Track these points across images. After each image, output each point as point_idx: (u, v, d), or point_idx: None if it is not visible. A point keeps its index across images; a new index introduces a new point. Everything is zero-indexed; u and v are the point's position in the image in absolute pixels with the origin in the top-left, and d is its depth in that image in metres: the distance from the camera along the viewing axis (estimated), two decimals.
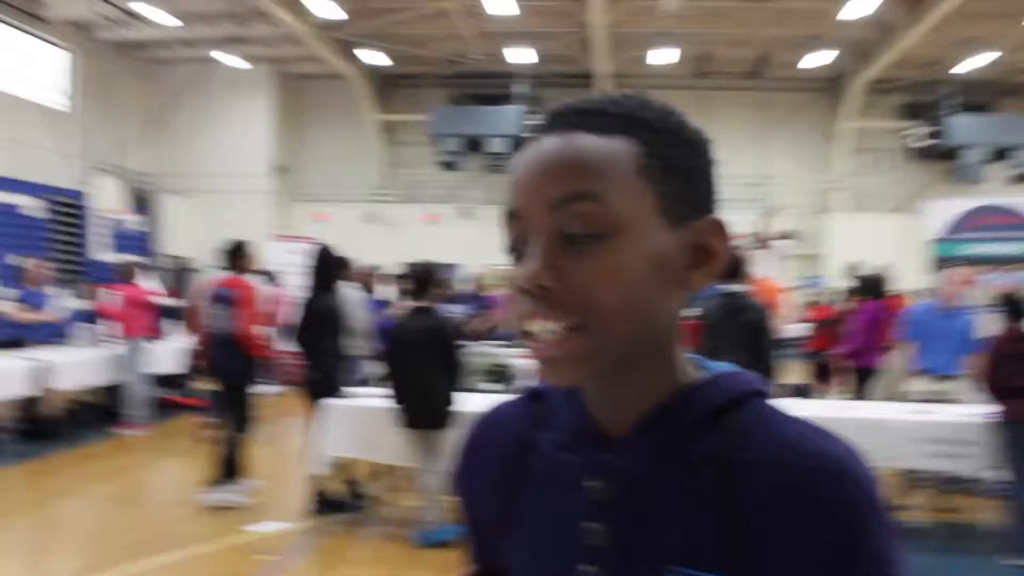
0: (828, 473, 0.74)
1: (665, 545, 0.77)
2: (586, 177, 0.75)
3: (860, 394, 7.41)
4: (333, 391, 5.70)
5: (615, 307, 0.74)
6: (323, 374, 5.70)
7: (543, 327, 0.75)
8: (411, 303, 5.44)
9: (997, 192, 16.72)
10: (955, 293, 6.41)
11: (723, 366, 0.85)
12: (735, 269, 5.46)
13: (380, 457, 5.64)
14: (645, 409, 0.81)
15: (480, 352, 7.44)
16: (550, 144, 0.77)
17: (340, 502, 6.00)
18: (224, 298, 6.15)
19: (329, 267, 5.96)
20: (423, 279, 5.39)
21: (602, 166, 0.75)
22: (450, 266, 20.31)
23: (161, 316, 9.47)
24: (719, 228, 0.80)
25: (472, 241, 22.09)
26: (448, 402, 5.22)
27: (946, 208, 7.00)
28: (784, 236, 11.78)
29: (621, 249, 0.75)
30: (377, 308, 8.75)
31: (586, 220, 0.74)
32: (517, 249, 0.78)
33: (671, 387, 0.81)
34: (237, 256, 6.39)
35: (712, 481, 0.76)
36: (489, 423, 0.96)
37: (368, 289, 8.92)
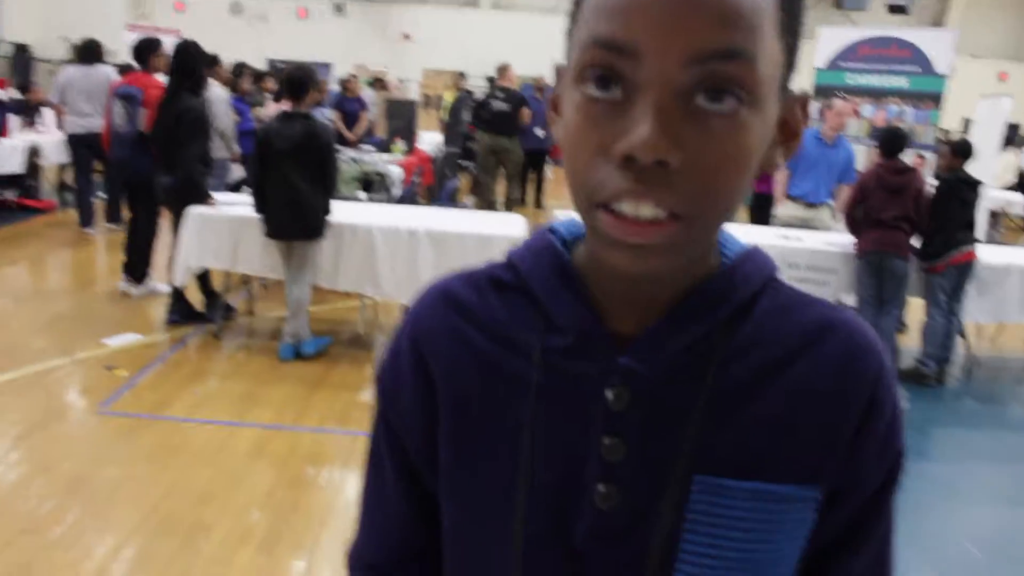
0: (866, 357, 0.70)
1: (690, 453, 0.68)
2: (742, 30, 0.57)
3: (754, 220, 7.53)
4: (198, 197, 5.31)
5: (730, 195, 0.60)
6: (186, 180, 5.28)
7: (641, 208, 0.58)
8: (281, 106, 5.03)
9: (881, 22, 16.85)
10: (838, 123, 6.44)
11: (737, 242, 0.74)
12: None
13: (246, 268, 5.36)
14: (666, 302, 0.69)
15: (351, 159, 7.09)
16: None
17: (201, 314, 5.76)
18: (130, 96, 6.06)
19: (194, 64, 5.41)
20: (298, 82, 4.95)
21: (757, 18, 0.58)
22: (321, 66, 19.49)
23: (1, 111, 8.66)
24: (806, 104, 0.68)
25: (343, 40, 21.22)
26: (320, 212, 4.94)
27: (833, 37, 6.92)
28: None
29: (753, 125, 0.59)
30: (242, 110, 8.26)
31: (732, 85, 0.57)
32: (606, 89, 0.59)
33: (696, 275, 0.70)
34: (149, 54, 6.32)
35: (740, 380, 0.69)
36: (444, 309, 0.78)
37: (233, 89, 8.40)
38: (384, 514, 0.85)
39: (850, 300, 5.59)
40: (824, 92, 7.21)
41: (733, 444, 0.68)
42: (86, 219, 8.64)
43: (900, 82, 6.95)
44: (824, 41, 7.23)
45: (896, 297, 5.45)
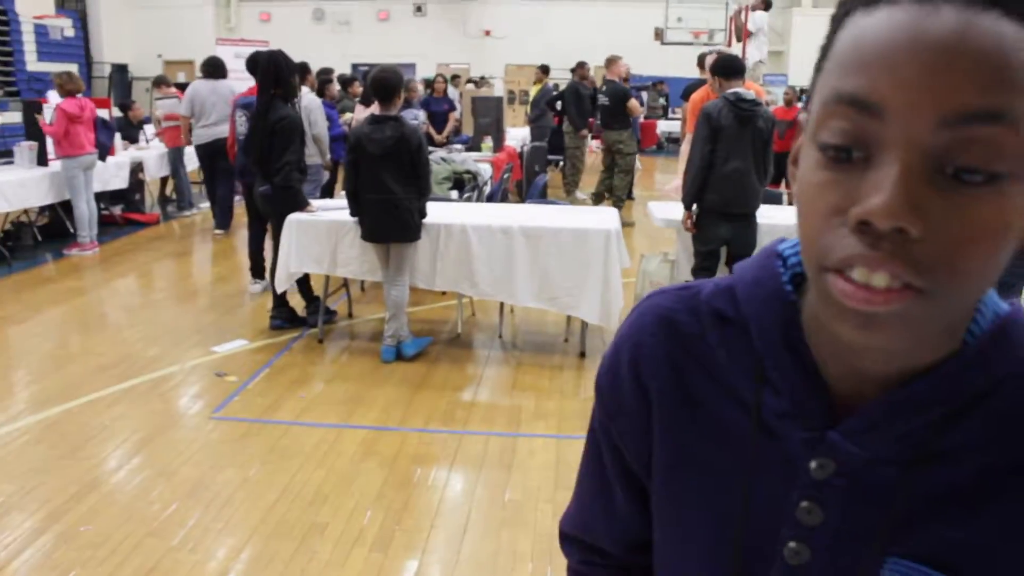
0: None
1: (887, 532, 0.65)
2: (1005, 89, 0.50)
3: None
4: (296, 205, 5.43)
5: (979, 275, 0.54)
6: (284, 187, 5.41)
7: (875, 277, 0.53)
8: (370, 110, 5.10)
9: None
10: None
11: (997, 307, 0.65)
12: (736, 68, 5.24)
13: (344, 272, 5.46)
14: (893, 379, 0.63)
15: (440, 159, 7.15)
16: (951, 22, 0.51)
17: (304, 318, 5.89)
18: (250, 106, 6.09)
19: (285, 73, 5.52)
20: (387, 86, 5.01)
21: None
22: (404, 67, 19.76)
23: (105, 128, 8.99)
24: None
25: (425, 40, 21.43)
26: (414, 213, 4.99)
27: None
28: (764, 5, 11.04)
29: (1012, 197, 0.52)
30: (331, 115, 8.41)
31: (988, 151, 0.51)
32: (845, 149, 0.55)
33: (933, 354, 0.62)
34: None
35: (966, 474, 0.63)
36: (663, 332, 0.76)
37: (321, 95, 8.55)
38: (604, 506, 0.88)
39: None
40: None
41: (941, 537, 0.64)
42: (222, 222, 9.26)
43: None
44: None
45: None
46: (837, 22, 0.58)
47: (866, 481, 0.65)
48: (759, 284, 0.71)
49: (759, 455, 0.70)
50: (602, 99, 10.11)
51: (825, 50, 0.59)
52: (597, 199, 10.31)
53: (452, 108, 11.38)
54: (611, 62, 10.35)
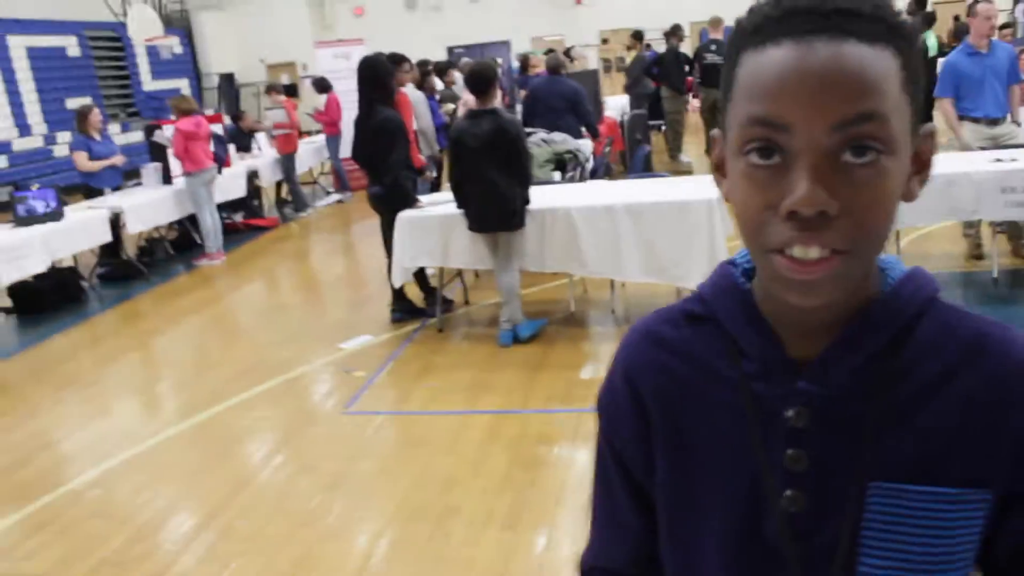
0: (1014, 364, 0.77)
1: (864, 462, 0.79)
2: (872, 95, 0.69)
3: None
4: (406, 202, 5.66)
5: (880, 230, 0.72)
6: (394, 186, 5.62)
7: (810, 251, 0.70)
8: (469, 104, 5.24)
9: None
10: (986, 28, 5.97)
11: (899, 267, 0.83)
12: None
13: (457, 263, 5.66)
14: (836, 329, 0.79)
15: (541, 140, 7.26)
16: (825, 54, 0.69)
17: (423, 309, 6.11)
18: None
19: (382, 75, 5.72)
20: (482, 79, 5.16)
21: (883, 83, 0.69)
22: (500, 45, 19.82)
23: (219, 142, 9.45)
24: (933, 135, 0.78)
25: (517, 15, 21.45)
26: (518, 201, 5.14)
27: None
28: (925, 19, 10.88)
29: (890, 171, 0.71)
30: (432, 106, 8.60)
31: (869, 141, 0.69)
32: (767, 157, 0.71)
33: (860, 301, 0.79)
34: (396, 68, 6.72)
35: (907, 394, 0.78)
36: (648, 345, 0.92)
37: (419, 87, 8.74)
38: (617, 524, 0.98)
39: None
40: None
41: (904, 453, 0.78)
42: None
43: None
44: None
45: None
46: (733, 60, 0.75)
47: (836, 419, 0.79)
48: (719, 284, 0.88)
49: (744, 420, 0.83)
50: (711, 58, 10.11)
51: (729, 83, 0.75)
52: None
53: None
54: (716, 22, 10.35)
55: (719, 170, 0.81)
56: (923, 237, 6.93)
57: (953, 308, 0.82)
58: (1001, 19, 6.52)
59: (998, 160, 5.44)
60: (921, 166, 0.77)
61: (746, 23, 0.74)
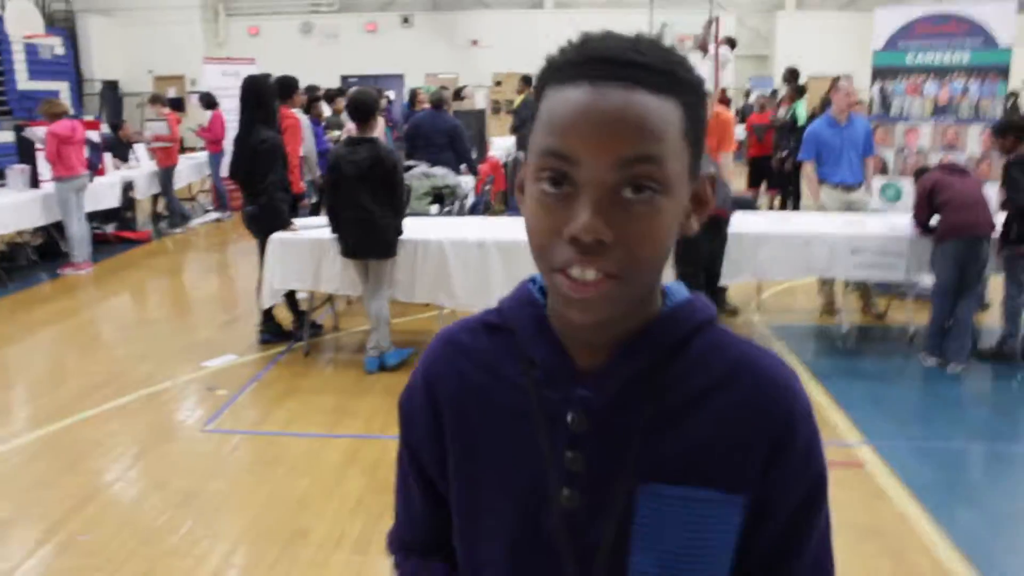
0: (778, 390, 0.88)
1: (634, 465, 0.87)
2: (652, 140, 0.77)
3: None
4: (280, 224, 5.66)
5: (652, 259, 0.81)
6: (268, 207, 5.62)
7: (586, 273, 0.78)
8: (351, 131, 5.30)
9: None
10: (846, 103, 6.50)
11: (682, 293, 0.93)
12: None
13: (327, 287, 5.68)
14: (616, 343, 0.87)
15: (421, 174, 7.36)
16: (614, 99, 0.77)
17: (291, 332, 6.10)
18: None
19: (265, 97, 5.74)
20: (363, 107, 5.24)
21: (664, 130, 0.78)
22: (393, 78, 19.90)
23: (94, 149, 9.21)
24: (712, 181, 0.88)
25: (413, 51, 21.61)
26: (391, 231, 5.21)
27: (888, 18, 6.83)
28: (728, 41, 11.54)
29: (665, 208, 0.79)
30: (317, 132, 8.60)
31: (646, 180, 0.77)
32: (557, 186, 0.79)
33: (639, 320, 0.88)
34: (292, 91, 7.11)
35: (675, 404, 0.88)
36: (449, 351, 1.00)
37: (306, 112, 8.73)
38: (413, 514, 1.09)
39: (927, 280, 5.61)
40: (883, 74, 7.16)
41: (669, 458, 0.87)
42: None
43: (962, 58, 6.88)
44: (880, 22, 7.17)
45: (979, 280, 5.45)
46: (540, 92, 0.83)
47: (611, 425, 0.88)
48: (517, 298, 0.96)
49: (529, 423, 0.91)
50: None
51: (533, 114, 0.84)
52: None
53: None
54: None
55: (520, 190, 0.88)
56: (784, 291, 7.35)
57: (725, 332, 0.92)
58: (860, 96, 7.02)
59: (849, 224, 5.85)
60: (699, 205, 0.87)
61: (554, 62, 0.82)
